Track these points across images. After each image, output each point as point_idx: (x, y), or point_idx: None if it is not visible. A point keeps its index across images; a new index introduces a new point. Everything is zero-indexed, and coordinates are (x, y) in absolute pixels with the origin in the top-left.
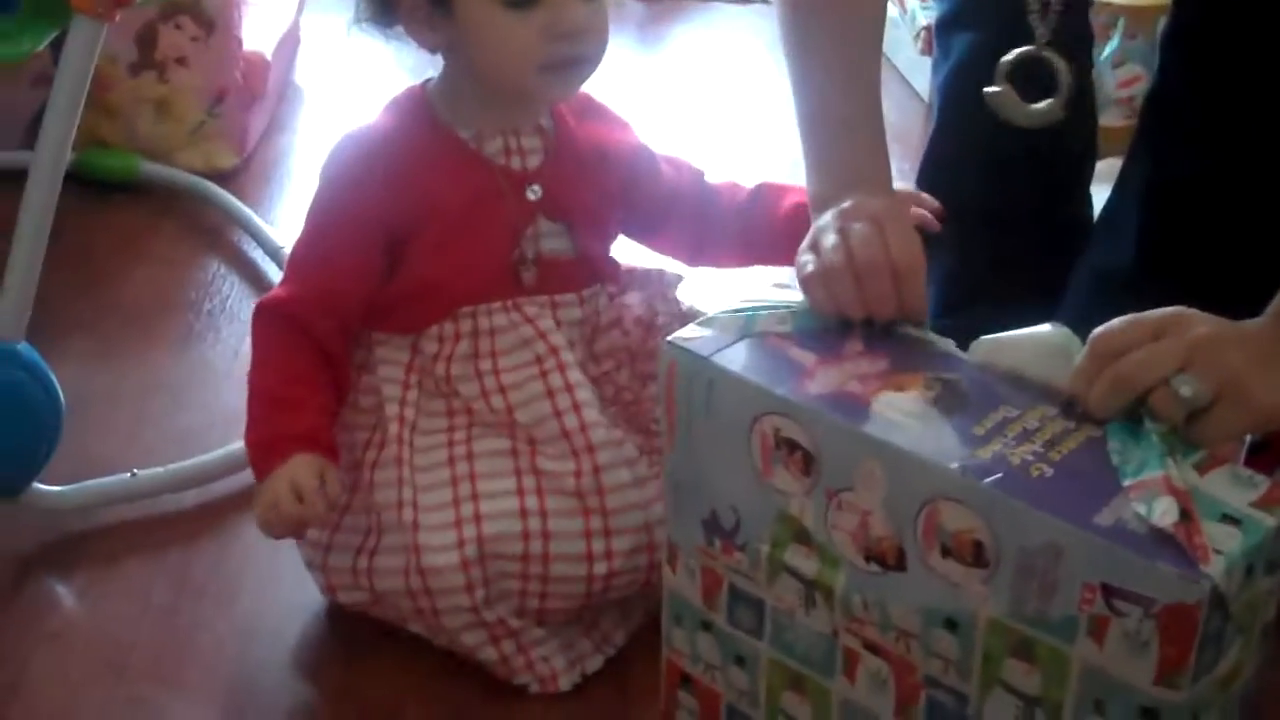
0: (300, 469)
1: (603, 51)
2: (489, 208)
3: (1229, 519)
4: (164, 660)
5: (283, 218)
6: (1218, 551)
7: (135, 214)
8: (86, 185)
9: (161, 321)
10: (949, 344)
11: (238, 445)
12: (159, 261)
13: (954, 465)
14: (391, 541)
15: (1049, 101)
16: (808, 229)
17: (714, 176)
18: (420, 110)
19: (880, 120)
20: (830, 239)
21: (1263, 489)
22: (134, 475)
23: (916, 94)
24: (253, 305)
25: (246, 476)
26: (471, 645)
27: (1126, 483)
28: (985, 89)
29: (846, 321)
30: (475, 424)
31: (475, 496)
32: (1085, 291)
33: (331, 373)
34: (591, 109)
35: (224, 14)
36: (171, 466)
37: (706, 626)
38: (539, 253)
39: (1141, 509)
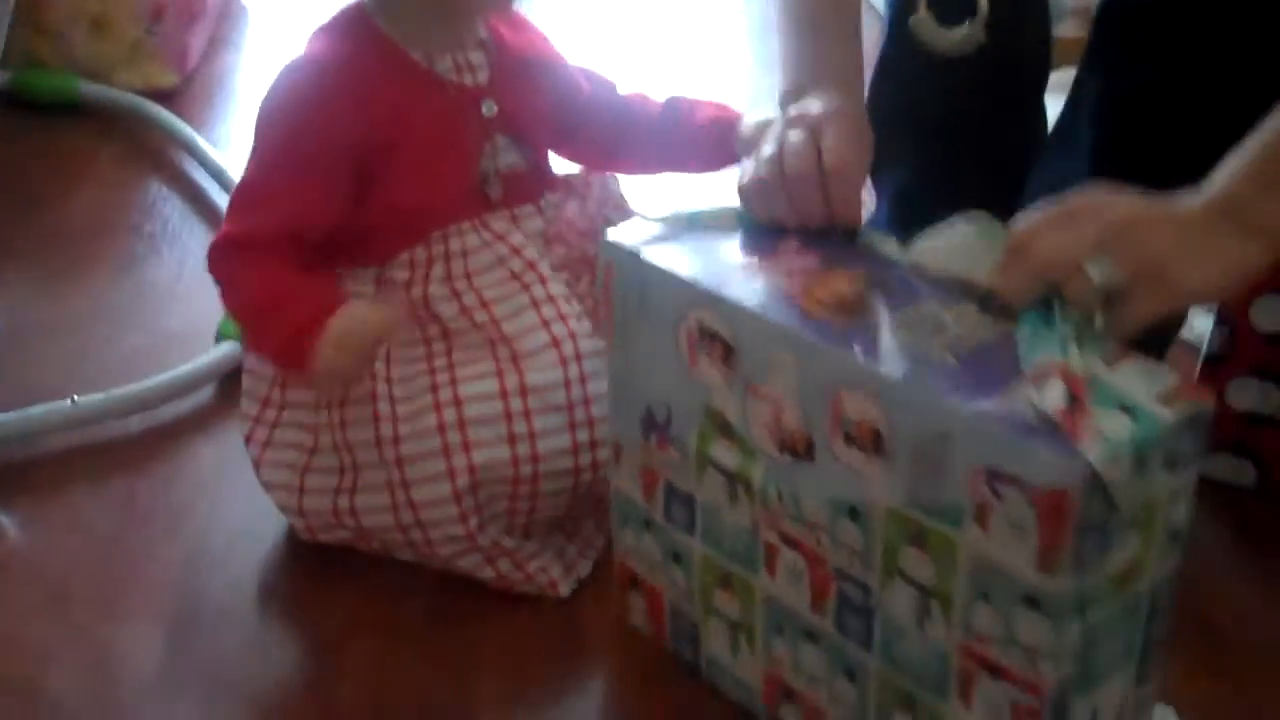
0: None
1: None
2: (452, 127)
3: (1126, 410)
4: (108, 590)
5: (226, 137)
6: (1105, 439)
7: (75, 135)
8: (26, 107)
9: (102, 245)
10: (889, 243)
11: (182, 368)
12: (99, 184)
13: (856, 352)
14: (373, 479)
15: (967, 25)
16: (724, 139)
17: (625, 88)
18: (366, 31)
19: (855, 25)
20: (767, 149)
21: (1170, 383)
22: (74, 402)
23: (873, 6)
24: (198, 228)
25: (194, 400)
26: (468, 568)
27: (1025, 370)
28: (912, 17)
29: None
30: (455, 348)
31: (462, 424)
32: (1037, 201)
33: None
34: (517, 20)
35: None
36: (113, 392)
37: (648, 525)
38: (498, 168)
39: (1033, 394)
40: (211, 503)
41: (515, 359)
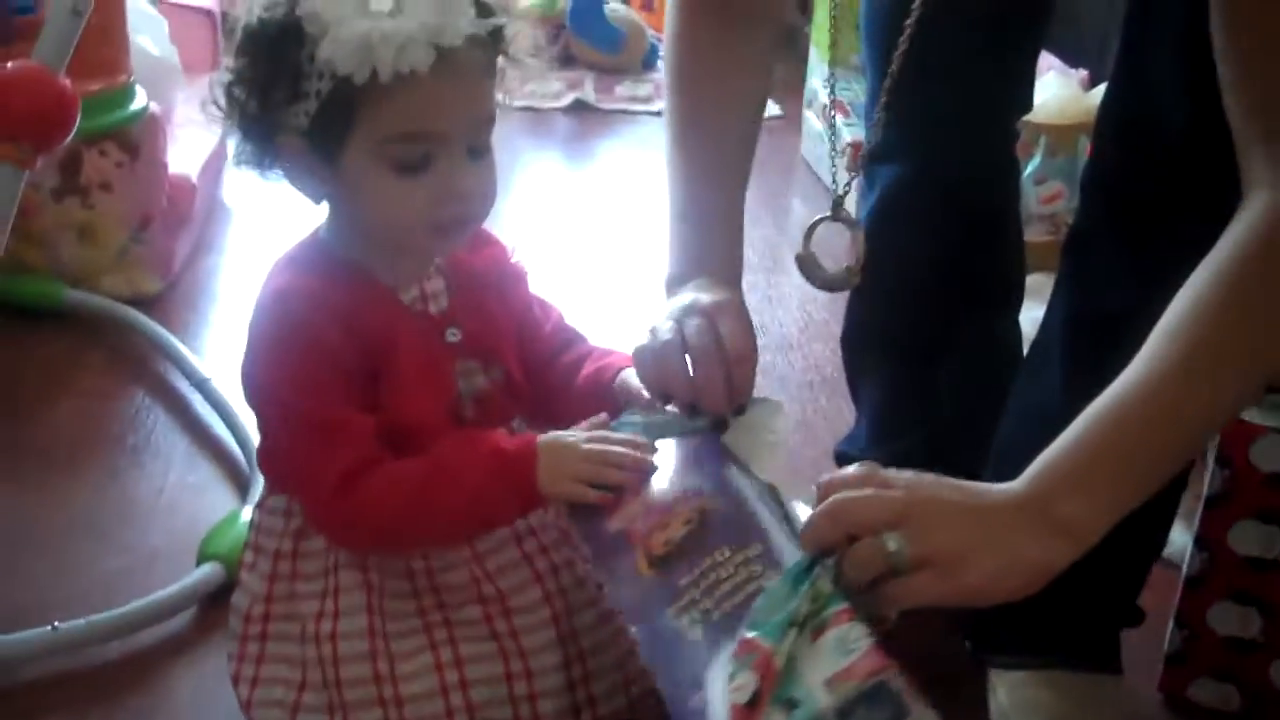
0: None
1: (490, 207)
2: (427, 354)
3: (792, 703)
4: None
5: (209, 342)
6: None
7: (61, 343)
8: (13, 314)
9: (84, 458)
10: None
11: (162, 593)
12: (83, 394)
13: (634, 625)
14: (367, 717)
15: (845, 267)
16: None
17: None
18: (336, 263)
19: (738, 219)
20: (666, 325)
21: (855, 656)
22: (55, 628)
23: None
24: (180, 440)
25: (173, 625)
26: None
27: (747, 635)
28: (796, 253)
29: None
30: (441, 588)
31: (459, 662)
32: (1014, 425)
33: None
34: (478, 235)
35: (149, 139)
36: (94, 618)
37: None
38: (470, 391)
39: (729, 673)
40: None
41: (503, 600)
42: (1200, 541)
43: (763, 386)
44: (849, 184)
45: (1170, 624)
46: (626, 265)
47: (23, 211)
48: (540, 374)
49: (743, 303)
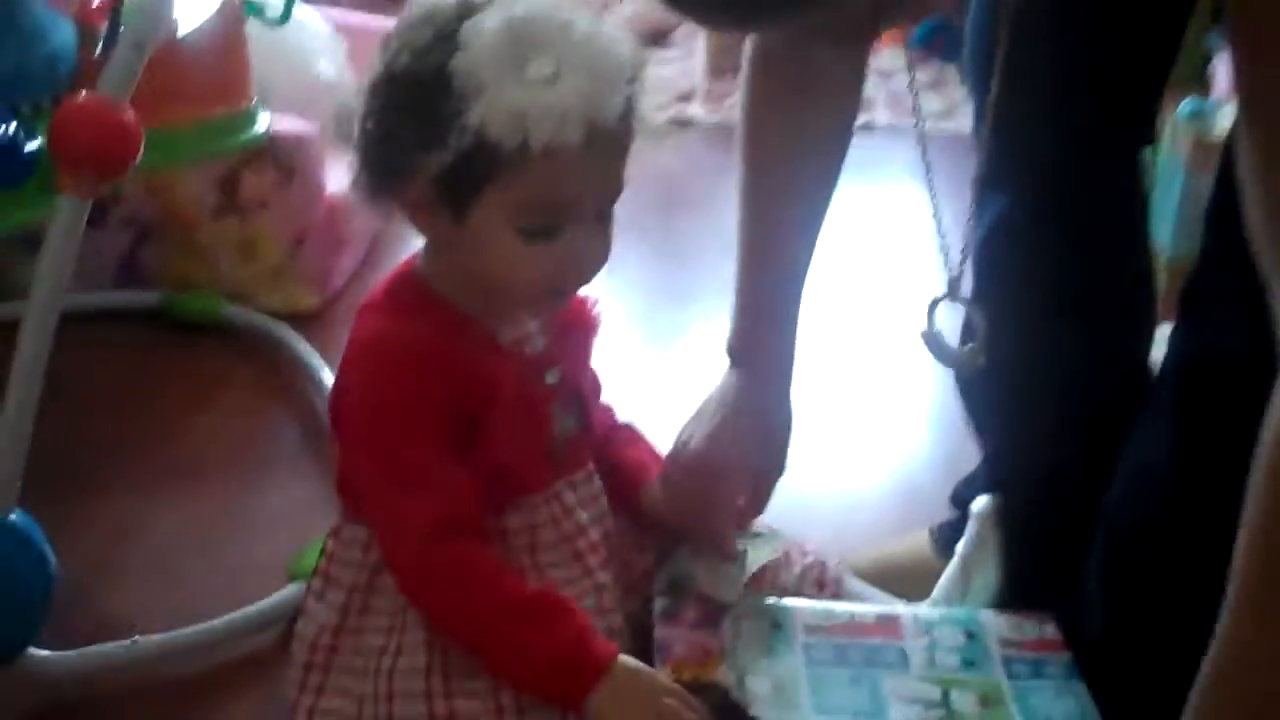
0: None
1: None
2: (527, 397)
3: None
4: None
5: None
6: None
7: (215, 358)
8: (176, 328)
9: (211, 473)
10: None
11: (245, 610)
12: (225, 410)
13: None
14: None
15: (970, 347)
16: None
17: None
18: (434, 304)
19: (795, 306)
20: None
21: None
22: (135, 642)
23: None
24: (304, 462)
25: (254, 643)
26: None
27: None
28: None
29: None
30: None
31: (521, 710)
32: (1123, 484)
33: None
34: None
35: (303, 160)
36: (172, 633)
37: None
38: (563, 433)
39: None
40: None
41: None
42: None
43: None
44: (963, 262)
45: None
46: (685, 265)
47: (185, 226)
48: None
49: (779, 405)
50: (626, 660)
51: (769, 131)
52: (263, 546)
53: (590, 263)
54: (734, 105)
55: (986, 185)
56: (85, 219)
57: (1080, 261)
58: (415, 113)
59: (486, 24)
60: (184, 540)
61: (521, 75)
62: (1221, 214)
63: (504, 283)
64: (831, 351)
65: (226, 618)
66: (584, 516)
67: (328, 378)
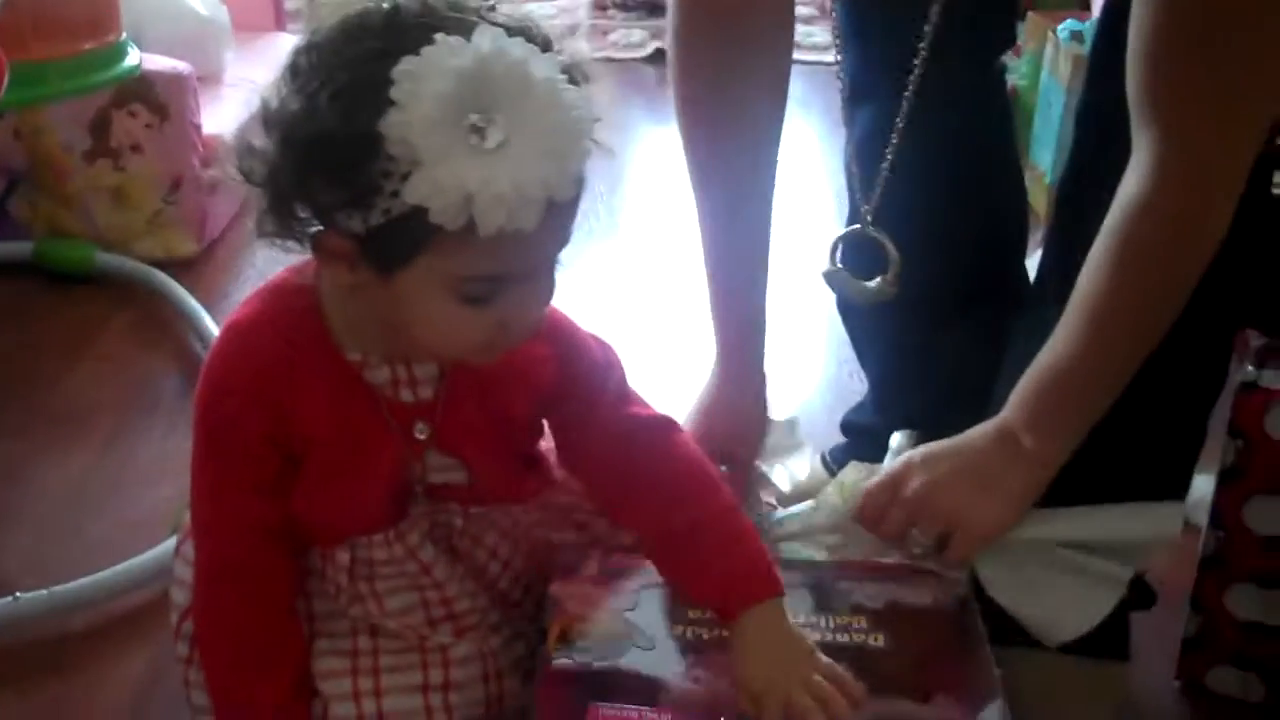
0: None
1: None
2: (371, 443)
3: None
4: None
5: None
6: None
7: (90, 306)
8: (48, 278)
9: (91, 423)
10: None
11: (127, 564)
12: (102, 358)
13: None
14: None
15: (879, 280)
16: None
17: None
18: (306, 318)
19: (760, 297)
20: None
21: None
22: (16, 598)
23: None
24: (188, 408)
25: (138, 598)
26: None
27: None
28: (823, 270)
29: None
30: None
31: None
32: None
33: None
34: None
35: (178, 100)
36: (55, 589)
37: None
38: (428, 484)
39: None
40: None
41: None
42: (1215, 519)
43: None
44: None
45: (1186, 605)
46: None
47: (56, 174)
48: (606, 458)
49: (751, 394)
50: None
51: (701, 95)
52: (145, 497)
53: (534, 319)
54: (617, 41)
55: (852, 102)
56: None
57: (947, 167)
58: (336, 174)
59: (425, 82)
60: (66, 495)
61: (465, 143)
62: (1090, 109)
63: (431, 344)
64: None
65: (111, 570)
66: (429, 556)
67: (208, 325)
